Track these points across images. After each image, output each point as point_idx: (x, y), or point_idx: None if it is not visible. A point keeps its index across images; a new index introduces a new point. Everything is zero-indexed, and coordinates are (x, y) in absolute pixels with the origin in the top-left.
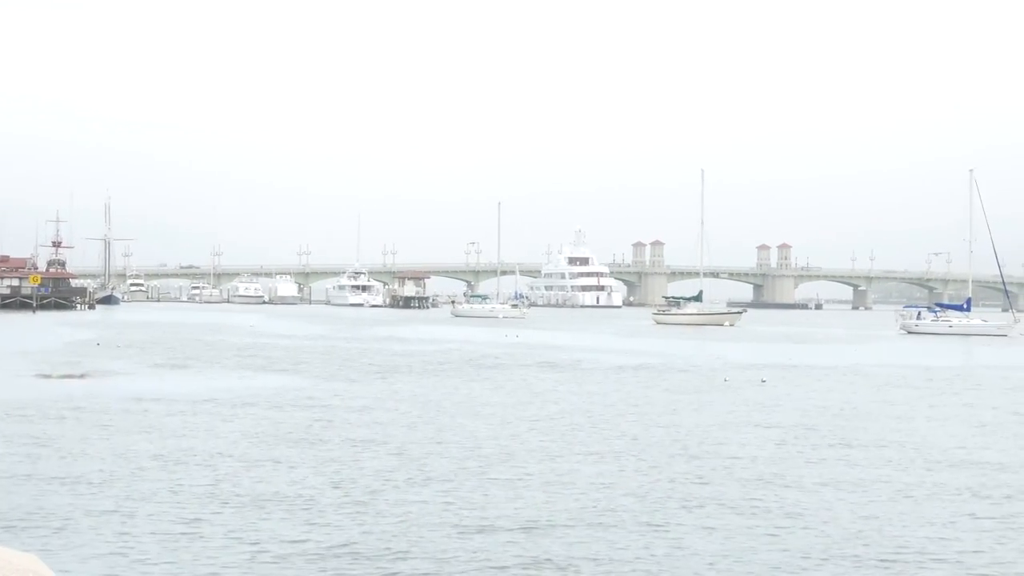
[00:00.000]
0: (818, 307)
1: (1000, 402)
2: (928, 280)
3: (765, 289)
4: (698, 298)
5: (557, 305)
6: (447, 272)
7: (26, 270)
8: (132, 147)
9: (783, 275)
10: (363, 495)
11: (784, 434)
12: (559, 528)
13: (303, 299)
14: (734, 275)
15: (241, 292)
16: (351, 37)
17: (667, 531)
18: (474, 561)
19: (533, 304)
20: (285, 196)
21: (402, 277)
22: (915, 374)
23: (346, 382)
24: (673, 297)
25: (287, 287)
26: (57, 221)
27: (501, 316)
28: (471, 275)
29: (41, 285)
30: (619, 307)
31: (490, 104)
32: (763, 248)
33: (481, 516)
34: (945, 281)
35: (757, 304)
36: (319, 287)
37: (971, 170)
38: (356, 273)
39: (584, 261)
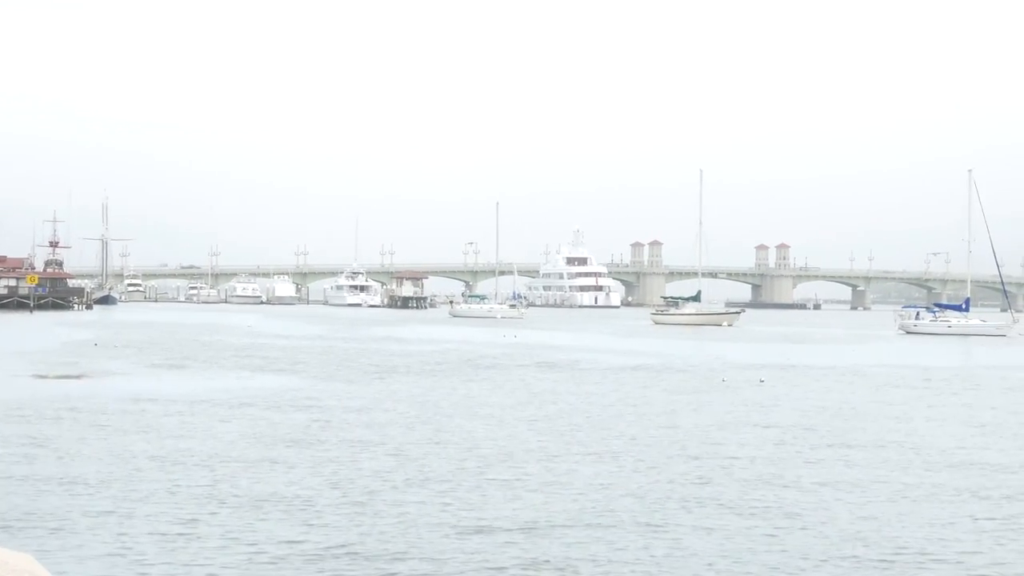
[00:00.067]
0: (816, 307)
1: (999, 402)
2: (927, 280)
3: (763, 289)
4: (696, 298)
5: (555, 305)
6: (445, 272)
7: (23, 270)
8: (131, 147)
9: (781, 275)
10: (361, 496)
11: (783, 434)
12: (558, 529)
13: (301, 299)
14: (732, 275)
15: (239, 292)
16: (350, 37)
17: (666, 531)
18: (472, 562)
19: (531, 304)
20: (284, 196)
21: (400, 277)
22: (914, 374)
23: (344, 382)
24: (671, 297)
25: (285, 287)
26: (54, 221)
27: (499, 316)
28: (469, 275)
29: (38, 285)
30: (617, 307)
31: (489, 104)
32: (761, 248)
33: (479, 517)
34: (944, 281)
35: (755, 304)
36: (317, 287)
37: (970, 170)
38: (354, 273)
39: (582, 261)
